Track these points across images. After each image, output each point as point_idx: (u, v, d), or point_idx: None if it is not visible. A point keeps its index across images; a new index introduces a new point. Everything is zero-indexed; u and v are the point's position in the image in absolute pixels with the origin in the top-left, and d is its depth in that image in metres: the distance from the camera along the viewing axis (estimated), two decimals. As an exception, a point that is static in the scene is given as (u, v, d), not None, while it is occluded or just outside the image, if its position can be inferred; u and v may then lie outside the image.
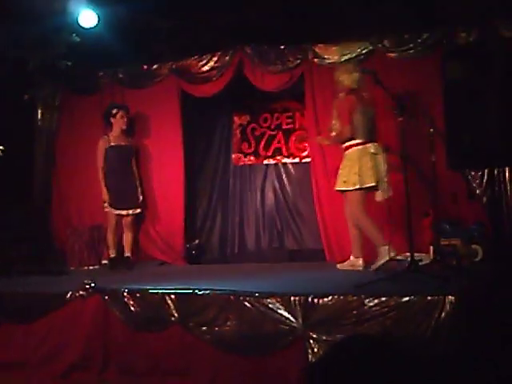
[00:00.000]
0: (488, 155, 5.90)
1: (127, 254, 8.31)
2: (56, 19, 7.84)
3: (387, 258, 6.52)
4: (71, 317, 5.96)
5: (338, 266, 7.09)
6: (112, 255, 8.29)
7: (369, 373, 2.17)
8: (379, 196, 6.83)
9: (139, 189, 8.40)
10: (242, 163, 9.19)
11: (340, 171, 6.88)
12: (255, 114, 9.07)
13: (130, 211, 8.26)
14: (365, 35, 7.70)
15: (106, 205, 8.21)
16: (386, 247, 6.50)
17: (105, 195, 8.20)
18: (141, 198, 8.38)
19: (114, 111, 8.35)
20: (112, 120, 8.35)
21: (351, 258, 7.02)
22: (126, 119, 8.35)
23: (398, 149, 6.02)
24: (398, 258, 6.42)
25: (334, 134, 7.01)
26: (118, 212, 8.23)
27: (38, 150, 9.28)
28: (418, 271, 5.71)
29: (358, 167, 6.74)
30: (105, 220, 8.47)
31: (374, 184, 6.74)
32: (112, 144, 8.30)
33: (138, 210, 8.36)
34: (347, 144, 6.86)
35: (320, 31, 7.77)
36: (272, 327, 5.21)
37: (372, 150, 6.82)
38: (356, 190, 6.75)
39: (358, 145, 6.82)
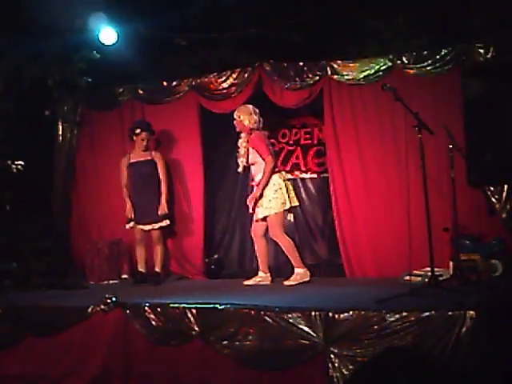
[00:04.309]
0: (508, 171, 5.92)
1: (156, 269, 8.17)
2: (76, 36, 7.95)
3: (307, 279, 7.27)
4: (93, 331, 6.02)
5: (245, 282, 7.62)
6: (140, 269, 8.25)
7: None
8: (290, 216, 7.63)
9: (164, 203, 8.20)
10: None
11: (274, 195, 7.37)
12: (274, 129, 9.06)
13: (153, 225, 8.12)
14: (383, 52, 7.74)
15: (130, 223, 8.17)
16: (303, 270, 7.33)
17: (128, 212, 8.16)
18: (165, 211, 8.17)
19: (137, 131, 8.25)
20: (134, 137, 8.29)
21: (260, 273, 7.62)
22: (145, 142, 8.25)
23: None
24: (418, 273, 6.47)
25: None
26: (141, 227, 8.16)
27: (58, 165, 9.32)
28: (439, 286, 5.73)
29: (286, 189, 7.44)
30: (125, 235, 8.52)
31: (297, 204, 7.65)
32: (132, 161, 8.26)
33: (163, 224, 8.17)
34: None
35: (339, 48, 7.82)
36: (293, 342, 5.25)
37: (285, 177, 7.69)
38: (279, 212, 7.37)
39: (276, 172, 7.53)
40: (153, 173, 8.25)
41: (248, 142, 7.60)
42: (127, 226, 8.22)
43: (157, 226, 8.14)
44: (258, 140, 7.53)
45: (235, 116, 7.66)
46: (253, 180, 7.69)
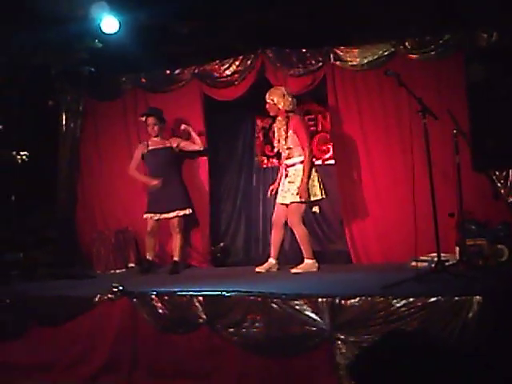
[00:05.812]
0: (512, 155, 5.91)
1: (175, 258, 8.11)
2: (78, 25, 7.91)
3: (314, 270, 7.27)
4: (100, 320, 6.02)
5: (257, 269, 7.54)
6: (149, 258, 8.21)
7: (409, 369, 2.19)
8: (316, 208, 7.51)
9: (184, 190, 8.31)
10: (265, 166, 9.22)
11: (312, 182, 7.31)
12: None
13: (177, 213, 8.10)
14: (386, 37, 7.71)
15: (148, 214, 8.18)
16: (312, 261, 7.29)
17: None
18: (186, 198, 8.27)
19: (143, 119, 8.30)
20: (147, 128, 8.32)
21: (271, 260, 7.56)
22: (154, 127, 8.24)
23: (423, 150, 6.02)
24: (425, 258, 6.48)
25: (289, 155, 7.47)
26: (163, 216, 8.12)
27: (62, 155, 9.31)
28: (445, 271, 5.73)
29: (316, 181, 7.35)
30: (131, 223, 8.56)
31: (324, 197, 7.41)
32: (150, 148, 8.28)
33: (184, 212, 8.16)
34: (299, 160, 7.36)
35: (341, 34, 7.78)
36: (299, 329, 5.25)
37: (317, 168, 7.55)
38: (304, 202, 7.28)
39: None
40: (170, 160, 8.28)
41: (287, 125, 7.44)
42: (145, 216, 8.19)
43: (181, 213, 8.13)
44: (300, 126, 7.43)
45: (268, 100, 7.50)
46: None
